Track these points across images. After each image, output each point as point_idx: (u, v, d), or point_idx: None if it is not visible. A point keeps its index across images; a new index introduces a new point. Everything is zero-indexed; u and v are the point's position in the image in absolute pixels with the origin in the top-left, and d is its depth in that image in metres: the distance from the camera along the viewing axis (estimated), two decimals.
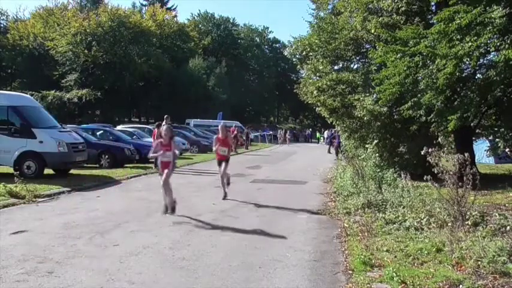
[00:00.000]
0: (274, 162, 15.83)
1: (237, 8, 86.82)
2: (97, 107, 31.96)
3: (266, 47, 58.15)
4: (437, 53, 6.98)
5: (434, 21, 7.64)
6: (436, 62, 7.09)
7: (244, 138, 25.36)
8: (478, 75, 8.17)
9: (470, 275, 3.29)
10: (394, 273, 3.28)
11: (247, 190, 8.40)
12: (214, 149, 7.34)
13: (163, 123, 11.97)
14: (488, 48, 7.16)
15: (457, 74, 7.03)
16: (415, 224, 4.78)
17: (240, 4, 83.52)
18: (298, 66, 13.90)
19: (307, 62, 11.77)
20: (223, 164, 7.23)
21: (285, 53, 20.66)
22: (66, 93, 30.40)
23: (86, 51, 31.56)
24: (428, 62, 7.47)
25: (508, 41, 6.70)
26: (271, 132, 36.84)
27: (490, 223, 4.57)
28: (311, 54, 11.58)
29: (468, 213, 4.56)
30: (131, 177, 9.81)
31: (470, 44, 6.58)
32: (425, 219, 4.81)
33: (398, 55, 7.73)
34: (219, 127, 7.55)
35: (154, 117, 32.22)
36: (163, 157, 5.72)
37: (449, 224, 4.37)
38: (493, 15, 6.50)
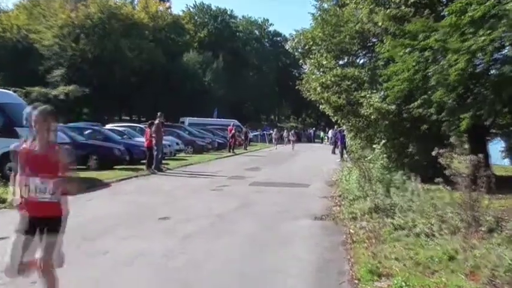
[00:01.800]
0: (274, 164, 15.81)
1: None
2: (85, 104, 31.88)
3: (266, 40, 58.21)
4: (448, 48, 6.99)
5: (446, 13, 7.65)
6: (448, 57, 7.09)
7: (242, 137, 25.33)
8: (492, 71, 8.17)
9: (485, 285, 3.28)
10: (404, 283, 3.28)
11: (245, 193, 8.39)
12: (11, 190, 2.96)
13: (156, 121, 12.03)
14: (503, 43, 7.16)
15: (470, 69, 7.03)
16: (426, 230, 4.77)
17: None
18: (301, 61, 13.92)
19: (310, 56, 11.78)
20: (45, 241, 2.71)
21: (287, 47, 20.68)
22: (51, 89, 30.31)
23: (73, 44, 31.50)
24: (439, 57, 7.47)
25: None
26: (271, 132, 36.87)
27: (506, 229, 4.56)
28: (314, 48, 11.58)
29: (482, 218, 4.55)
30: (121, 180, 9.78)
31: (483, 37, 6.59)
32: (436, 225, 4.80)
33: (407, 49, 7.73)
34: (27, 111, 3.01)
35: (147, 116, 32.15)
36: None
37: (462, 230, 4.36)
38: (507, 7, 6.51)
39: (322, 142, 38.91)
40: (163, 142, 12.92)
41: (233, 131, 21.65)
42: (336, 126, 18.38)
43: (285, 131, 34.47)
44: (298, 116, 62.21)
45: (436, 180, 4.63)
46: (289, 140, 29.84)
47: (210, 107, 35.76)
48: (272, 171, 12.86)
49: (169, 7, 43.47)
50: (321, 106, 11.69)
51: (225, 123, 28.25)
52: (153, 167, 11.58)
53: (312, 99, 11.81)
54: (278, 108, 62.56)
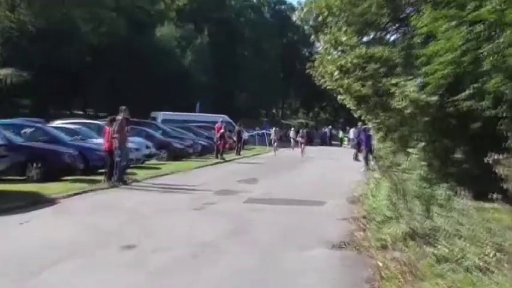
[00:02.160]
0: (277, 173, 15.85)
1: None
2: (25, 93, 31.80)
3: (266, 9, 58.53)
4: (506, 21, 7.05)
5: None
6: (506, 33, 7.16)
7: (234, 139, 25.37)
8: None
9: None
10: None
11: (239, 213, 8.41)
12: None
13: (119, 117, 12.03)
14: None
15: None
16: (479, 262, 4.79)
17: None
18: (312, 37, 13.97)
19: (325, 31, 11.83)
20: None
21: (294, 19, 20.80)
22: None
23: (9, 14, 31.44)
24: (494, 33, 7.53)
25: None
26: (272, 131, 37.00)
27: None
28: (330, 20, 11.64)
29: None
30: (72, 195, 9.75)
31: None
32: (493, 256, 4.83)
33: (453, 23, 7.79)
34: None
35: (106, 109, 32.10)
36: None
37: None
38: None
39: (341, 144, 39.07)
40: (129, 145, 12.91)
41: (222, 130, 21.67)
42: (359, 124, 18.42)
43: (292, 130, 34.30)
44: (309, 109, 62.49)
45: (492, 195, 4.65)
46: (296, 142, 29.64)
47: (191, 98, 35.81)
48: (274, 184, 12.89)
49: None
50: (339, 97, 11.72)
51: (211, 120, 28.26)
52: (114, 178, 11.57)
53: (328, 87, 11.85)
54: (283, 99, 62.78)
